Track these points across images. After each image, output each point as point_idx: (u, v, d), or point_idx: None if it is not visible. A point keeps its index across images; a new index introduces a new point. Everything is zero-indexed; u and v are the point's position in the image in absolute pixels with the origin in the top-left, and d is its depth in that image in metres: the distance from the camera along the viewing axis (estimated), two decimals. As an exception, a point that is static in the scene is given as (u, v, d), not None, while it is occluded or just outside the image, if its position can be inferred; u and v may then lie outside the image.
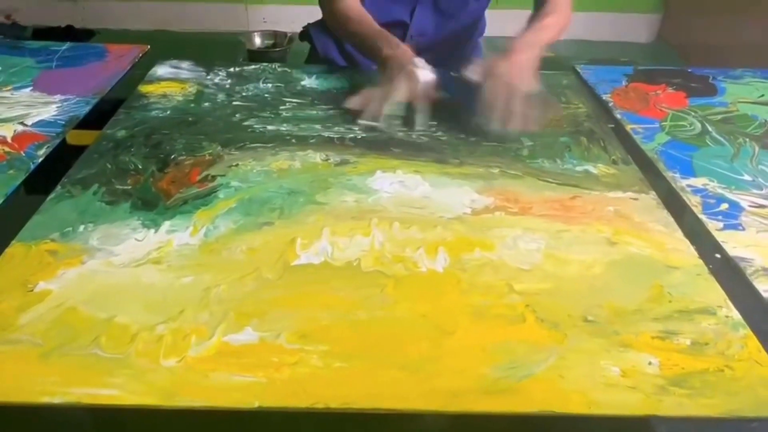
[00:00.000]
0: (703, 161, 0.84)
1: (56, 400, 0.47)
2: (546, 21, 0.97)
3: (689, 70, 1.14)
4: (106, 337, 0.53)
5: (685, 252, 0.66)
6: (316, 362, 0.51)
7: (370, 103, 0.88)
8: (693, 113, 0.98)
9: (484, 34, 1.20)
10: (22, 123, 0.88)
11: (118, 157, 0.79)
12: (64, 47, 1.14)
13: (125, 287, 0.58)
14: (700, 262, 0.64)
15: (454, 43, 1.13)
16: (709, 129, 0.93)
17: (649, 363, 0.53)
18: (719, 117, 0.98)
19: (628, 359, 0.53)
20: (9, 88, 0.99)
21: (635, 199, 0.74)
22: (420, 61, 0.90)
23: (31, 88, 0.99)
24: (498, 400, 0.49)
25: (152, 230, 0.66)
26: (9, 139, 0.83)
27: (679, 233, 0.68)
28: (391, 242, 0.65)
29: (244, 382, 0.49)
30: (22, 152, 0.80)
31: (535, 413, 0.48)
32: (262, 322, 0.55)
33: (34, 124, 0.87)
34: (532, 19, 0.99)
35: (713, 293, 0.60)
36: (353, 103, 0.90)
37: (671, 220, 0.71)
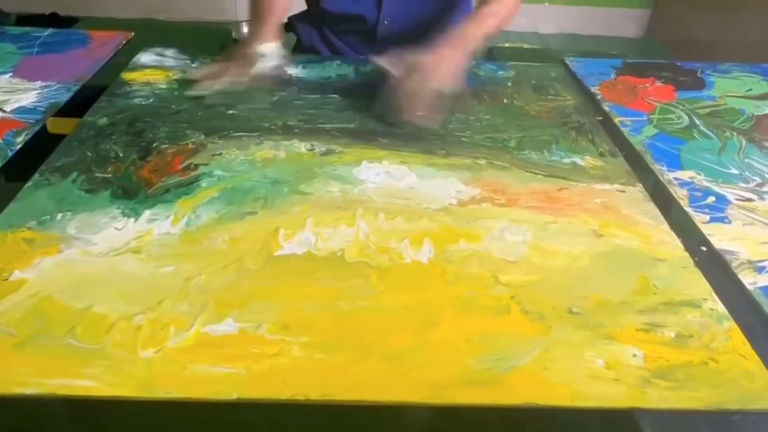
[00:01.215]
0: (690, 154, 0.84)
1: (30, 390, 0.46)
2: (490, 8, 0.93)
3: (678, 64, 1.14)
4: (82, 327, 0.52)
5: (671, 244, 0.65)
6: (298, 353, 0.51)
7: (207, 77, 0.92)
8: (681, 106, 0.98)
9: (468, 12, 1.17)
10: (1, 110, 0.86)
11: (99, 144, 0.77)
12: (45, 33, 1.12)
13: (103, 277, 0.57)
14: (686, 254, 0.64)
15: (429, 24, 1.11)
16: (697, 122, 0.93)
17: (634, 355, 0.52)
18: (707, 110, 0.98)
19: (612, 351, 0.52)
20: (-12, 74, 0.97)
21: (622, 191, 0.74)
22: (268, 47, 0.92)
23: (11, 74, 0.97)
24: (482, 392, 0.49)
25: (132, 219, 0.64)
26: (-13, 126, 0.81)
27: (666, 226, 0.68)
28: (375, 233, 0.64)
29: (223, 373, 0.49)
30: (0, 139, 0.78)
31: (519, 405, 0.48)
32: (243, 312, 0.54)
33: (14, 111, 0.85)
34: (477, 5, 0.97)
35: (698, 286, 0.60)
36: (197, 74, 0.94)
37: (658, 212, 0.70)
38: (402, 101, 0.83)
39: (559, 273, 0.61)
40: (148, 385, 0.47)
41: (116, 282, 0.57)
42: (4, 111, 0.85)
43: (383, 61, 0.86)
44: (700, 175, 0.79)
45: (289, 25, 1.17)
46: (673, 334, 0.54)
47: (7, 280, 0.56)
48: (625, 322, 0.55)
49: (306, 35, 1.16)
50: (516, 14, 0.98)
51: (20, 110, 0.86)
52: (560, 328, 0.54)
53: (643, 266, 0.62)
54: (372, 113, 0.86)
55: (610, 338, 0.54)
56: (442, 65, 0.85)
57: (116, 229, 0.63)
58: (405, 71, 0.84)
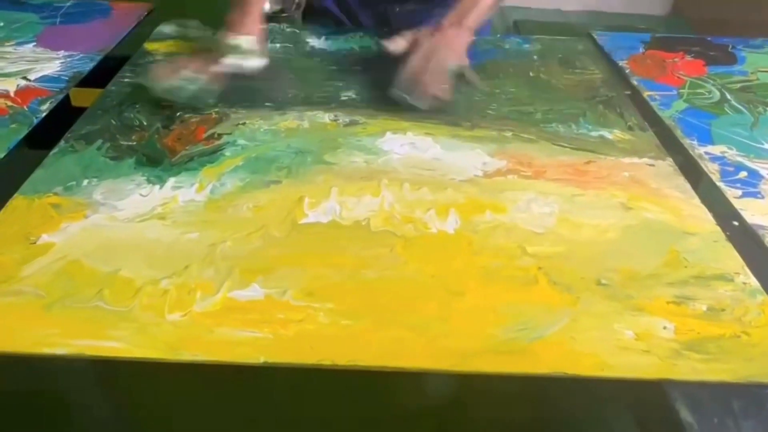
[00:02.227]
0: (721, 129, 0.82)
1: (58, 351, 0.47)
2: None
3: (708, 39, 1.11)
4: (109, 290, 0.52)
5: (703, 218, 0.64)
6: (323, 319, 0.50)
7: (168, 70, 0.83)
8: (711, 81, 0.95)
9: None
10: (25, 78, 0.86)
11: (123, 113, 0.77)
12: (68, 4, 1.11)
13: (129, 242, 0.57)
14: (718, 228, 0.63)
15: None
16: (728, 97, 0.91)
17: (664, 327, 0.51)
18: (738, 85, 0.95)
19: (642, 323, 0.52)
20: (12, 43, 0.97)
21: (651, 165, 0.72)
22: (244, 40, 0.84)
23: (34, 43, 0.97)
24: (508, 361, 0.48)
25: (157, 186, 0.64)
26: (12, 94, 0.81)
27: (697, 200, 0.67)
28: (400, 203, 0.64)
29: (250, 337, 0.48)
30: (25, 107, 0.78)
31: (545, 374, 0.47)
32: (269, 279, 0.54)
33: (38, 79, 0.86)
34: None
35: (730, 260, 0.59)
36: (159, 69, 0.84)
37: (688, 186, 0.69)
38: (412, 82, 0.81)
39: (587, 245, 0.60)
40: (176, 348, 0.47)
41: (142, 247, 0.57)
42: (29, 79, 0.85)
43: (389, 45, 0.85)
44: (731, 149, 0.77)
45: None
46: (704, 307, 0.53)
47: (35, 243, 0.56)
48: (654, 294, 0.54)
49: None
50: None
51: (44, 79, 0.86)
52: (588, 300, 0.54)
53: (673, 239, 0.61)
54: (392, 97, 0.82)
55: (640, 310, 0.53)
56: (447, 44, 0.83)
57: (141, 195, 0.63)
58: (410, 52, 0.82)
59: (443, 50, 0.83)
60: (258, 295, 0.52)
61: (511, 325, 0.51)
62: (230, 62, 0.83)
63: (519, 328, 0.51)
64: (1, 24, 1.03)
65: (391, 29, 0.98)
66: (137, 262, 0.55)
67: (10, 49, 0.95)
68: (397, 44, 0.85)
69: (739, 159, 0.75)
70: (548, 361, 0.48)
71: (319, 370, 0.47)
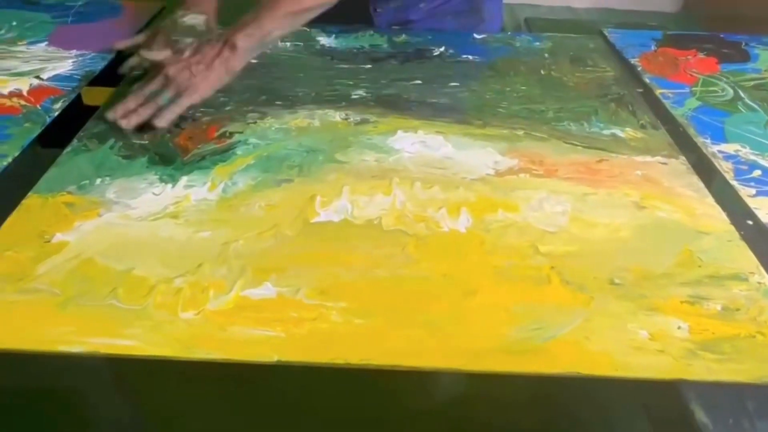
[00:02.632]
0: (735, 127, 0.81)
1: (73, 349, 0.47)
2: None
3: (721, 36, 1.10)
4: (123, 288, 0.52)
5: (716, 218, 0.64)
6: (336, 318, 0.50)
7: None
8: (725, 79, 0.95)
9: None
10: (38, 77, 0.86)
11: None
12: (79, 3, 1.12)
13: (142, 240, 0.57)
14: (732, 228, 0.62)
15: None
16: (742, 95, 0.90)
17: (678, 327, 0.51)
18: (752, 83, 0.95)
19: (656, 323, 0.51)
20: (24, 42, 0.97)
21: (664, 163, 0.72)
22: (194, 19, 0.84)
23: (46, 43, 0.97)
24: (521, 361, 0.48)
25: (169, 185, 0.65)
26: (25, 93, 0.82)
27: (710, 199, 0.66)
28: (412, 201, 0.64)
29: (263, 336, 0.49)
30: (38, 106, 0.79)
31: (559, 374, 0.47)
32: (281, 277, 0.54)
33: (50, 79, 0.86)
34: None
35: (745, 259, 0.58)
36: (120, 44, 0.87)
37: (701, 185, 0.68)
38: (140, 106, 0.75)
39: (599, 244, 0.60)
40: (189, 346, 0.48)
41: (155, 245, 0.57)
42: (41, 78, 0.86)
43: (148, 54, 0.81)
44: (745, 148, 0.77)
45: None
46: (719, 307, 0.53)
47: (49, 242, 0.57)
48: (668, 294, 0.54)
49: None
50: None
51: (57, 78, 0.86)
52: (602, 299, 0.53)
53: (686, 239, 0.61)
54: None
55: (654, 310, 0.52)
56: (198, 71, 0.76)
57: (154, 194, 0.63)
58: (153, 68, 0.77)
59: (173, 78, 0.75)
60: (271, 293, 0.52)
61: (524, 325, 0.51)
62: (180, 41, 0.79)
63: (532, 328, 0.51)
64: (14, 23, 1.04)
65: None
66: (151, 260, 0.55)
67: (22, 48, 0.96)
68: (157, 53, 0.79)
69: (753, 157, 0.75)
70: (562, 361, 0.48)
71: (332, 368, 0.47)
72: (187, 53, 0.78)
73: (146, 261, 0.55)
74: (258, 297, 0.52)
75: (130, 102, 0.75)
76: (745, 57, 1.04)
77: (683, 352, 0.49)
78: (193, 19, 0.83)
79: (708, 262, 0.58)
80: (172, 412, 0.47)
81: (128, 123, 0.74)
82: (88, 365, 0.48)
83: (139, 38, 0.86)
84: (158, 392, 0.48)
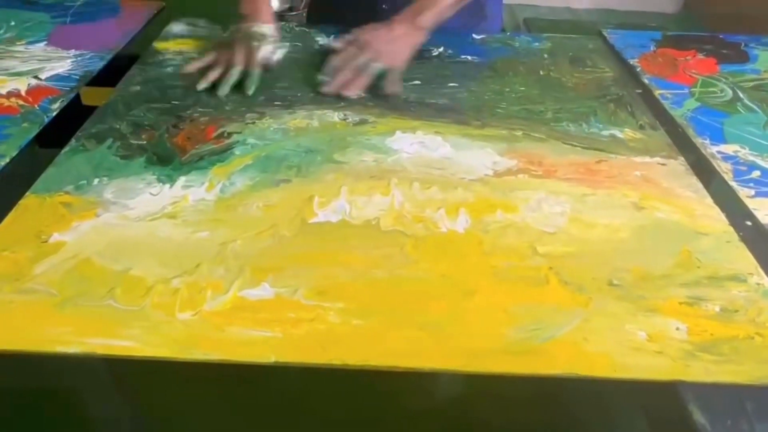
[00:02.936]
0: (734, 128, 0.81)
1: (71, 349, 0.47)
2: None
3: (720, 36, 1.10)
4: (121, 289, 0.52)
5: (715, 218, 0.63)
6: (334, 319, 0.50)
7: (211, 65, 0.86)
8: (724, 80, 0.95)
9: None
10: (36, 77, 0.86)
11: (133, 112, 0.77)
12: (78, 2, 1.12)
13: (140, 240, 0.57)
14: (731, 228, 0.62)
15: None
16: (741, 96, 0.90)
17: (677, 328, 0.51)
18: (751, 84, 0.94)
19: (654, 324, 0.51)
20: (23, 42, 0.97)
21: (663, 164, 0.72)
22: (270, 29, 0.89)
23: (45, 42, 0.97)
24: (520, 361, 0.48)
25: (167, 185, 0.65)
26: (23, 93, 0.82)
27: (709, 200, 0.66)
28: (410, 202, 0.64)
29: (261, 336, 0.48)
30: (36, 106, 0.79)
31: (558, 375, 0.47)
32: (279, 278, 0.54)
33: (48, 78, 0.86)
34: None
35: (744, 260, 0.58)
36: (193, 66, 0.87)
37: (700, 186, 0.68)
38: (335, 72, 0.84)
39: (598, 245, 0.59)
40: (186, 347, 0.47)
41: (153, 246, 0.57)
42: (39, 78, 0.86)
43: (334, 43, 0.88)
44: (744, 149, 0.76)
45: None
46: (717, 308, 0.53)
47: (46, 242, 0.56)
48: (667, 295, 0.54)
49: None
50: None
51: (55, 78, 0.86)
52: (600, 300, 0.53)
53: (685, 240, 0.60)
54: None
55: (652, 311, 0.52)
56: (388, 42, 0.84)
57: (152, 194, 0.63)
58: (348, 45, 0.85)
59: (375, 49, 0.84)
60: (268, 294, 0.52)
61: (522, 325, 0.51)
62: (265, 50, 0.86)
63: (531, 328, 0.50)
64: (13, 23, 1.04)
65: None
66: (148, 260, 0.55)
67: (21, 48, 0.95)
68: (340, 40, 0.87)
69: (752, 158, 0.74)
70: (560, 362, 0.48)
71: (329, 369, 0.47)
72: (365, 36, 0.86)
73: (144, 261, 0.55)
74: (255, 297, 0.52)
75: (347, 74, 0.83)
76: (744, 58, 1.04)
77: (681, 353, 0.49)
78: (264, 28, 0.89)
79: (707, 263, 0.58)
80: (170, 413, 0.47)
81: (352, 92, 0.82)
82: (86, 366, 0.48)
83: (209, 58, 0.88)
84: (155, 393, 0.48)
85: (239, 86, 0.83)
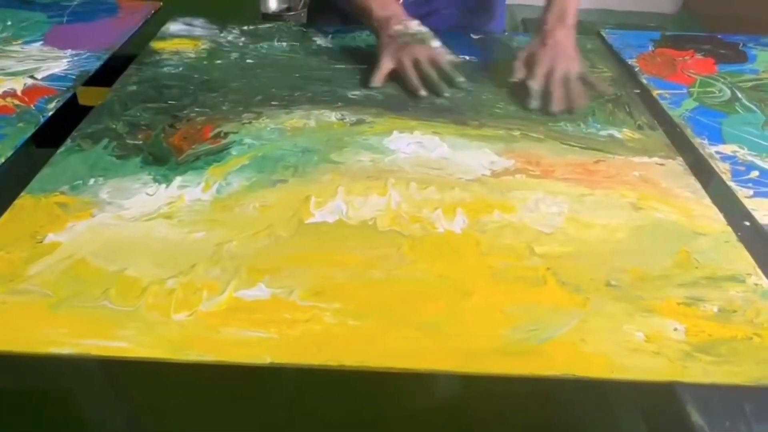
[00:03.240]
0: (732, 128, 0.81)
1: (65, 350, 0.46)
2: None
3: (719, 37, 1.10)
4: (115, 289, 0.52)
5: (713, 219, 0.63)
6: (330, 320, 0.50)
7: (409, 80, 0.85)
8: (722, 80, 0.95)
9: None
10: (32, 77, 0.86)
11: (129, 112, 0.77)
12: (75, 2, 1.11)
13: (135, 241, 0.57)
14: (729, 229, 0.62)
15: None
16: (739, 96, 0.90)
17: (675, 329, 0.51)
18: (749, 84, 0.94)
19: (652, 324, 0.51)
20: (19, 42, 0.97)
21: (661, 164, 0.72)
22: (414, 24, 0.88)
23: (41, 42, 0.97)
24: (517, 362, 0.48)
25: (163, 185, 0.64)
26: (19, 92, 0.81)
27: (707, 200, 0.66)
28: (407, 202, 0.63)
29: (256, 337, 0.48)
30: (32, 105, 0.78)
31: (555, 376, 0.47)
32: (275, 278, 0.53)
33: (45, 78, 0.86)
34: None
35: (742, 261, 0.58)
36: (378, 79, 0.86)
37: (699, 186, 0.68)
38: (555, 93, 0.82)
39: (596, 245, 0.59)
40: (182, 348, 0.47)
41: (148, 246, 0.56)
42: (35, 78, 0.85)
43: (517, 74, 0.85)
44: (743, 149, 0.76)
45: None
46: (715, 309, 0.53)
47: (41, 242, 0.56)
48: (665, 295, 0.54)
49: None
50: None
51: (51, 77, 0.86)
52: (598, 301, 0.53)
53: (683, 240, 0.60)
54: (528, 107, 0.82)
55: (650, 311, 0.52)
56: (562, 51, 0.84)
57: (147, 194, 0.63)
58: (528, 69, 0.83)
59: (562, 59, 0.84)
60: (264, 294, 0.52)
61: (520, 326, 0.50)
62: (437, 44, 0.87)
63: (528, 329, 0.50)
64: (9, 23, 1.03)
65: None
66: (143, 261, 0.55)
67: (17, 47, 0.95)
68: (520, 71, 0.85)
69: (751, 158, 0.74)
70: (558, 363, 0.47)
71: (326, 370, 0.47)
72: (541, 53, 0.84)
73: (139, 261, 0.55)
74: (251, 298, 0.52)
75: (558, 89, 0.82)
76: (743, 58, 1.04)
77: (679, 354, 0.48)
78: (417, 26, 0.89)
79: (705, 264, 0.57)
80: (165, 414, 0.46)
81: (560, 106, 0.81)
82: (80, 367, 0.47)
83: (386, 66, 0.87)
84: (150, 394, 0.48)
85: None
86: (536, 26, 0.89)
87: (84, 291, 0.51)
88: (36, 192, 0.62)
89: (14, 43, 0.96)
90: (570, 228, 0.61)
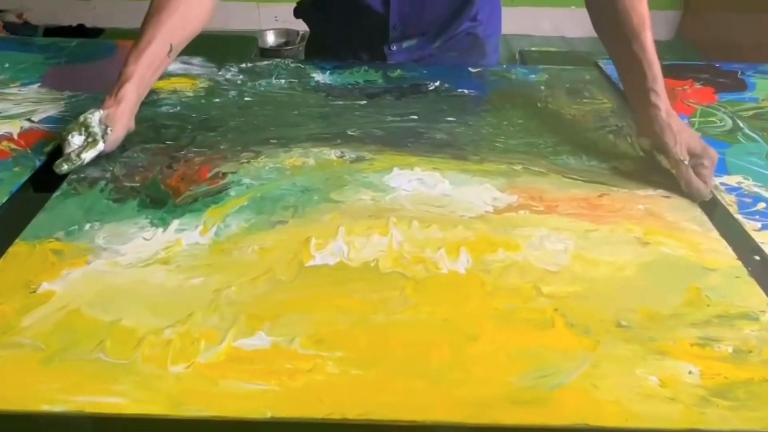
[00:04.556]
0: (736, 158, 0.80)
1: (57, 408, 0.45)
2: (643, 37, 0.78)
3: (717, 65, 1.10)
4: (111, 341, 0.50)
5: (722, 253, 0.62)
6: (332, 369, 0.48)
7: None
8: (723, 109, 0.94)
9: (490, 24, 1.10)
10: (29, 120, 0.85)
11: (126, 153, 0.76)
12: (73, 44, 1.12)
13: (132, 288, 0.56)
14: (739, 263, 0.60)
15: (443, 25, 1.04)
16: (741, 125, 0.89)
17: (689, 372, 0.49)
18: (751, 113, 0.94)
19: (666, 367, 0.49)
20: (17, 84, 0.96)
21: (667, 197, 0.71)
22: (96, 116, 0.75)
23: (39, 84, 0.97)
24: (527, 412, 0.46)
25: (161, 229, 0.63)
26: (15, 136, 0.81)
27: (715, 233, 0.65)
28: (410, 242, 0.62)
29: (256, 390, 0.46)
30: (28, 149, 0.78)
31: (567, 426, 0.45)
32: (275, 326, 0.52)
33: (41, 121, 0.85)
34: (618, 35, 0.80)
35: (755, 297, 0.57)
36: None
37: (705, 218, 0.67)
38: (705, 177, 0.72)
39: (603, 283, 0.58)
40: (179, 402, 0.45)
41: (145, 294, 0.55)
42: (32, 121, 0.85)
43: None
44: (748, 180, 0.75)
45: (299, 11, 1.12)
46: (730, 349, 0.51)
47: (35, 292, 0.55)
48: (677, 336, 0.52)
49: (318, 26, 1.12)
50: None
51: (48, 120, 0.85)
52: (608, 343, 0.51)
53: (693, 276, 0.59)
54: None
55: (663, 353, 0.50)
56: (682, 131, 0.74)
57: (144, 239, 0.62)
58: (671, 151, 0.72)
59: (685, 132, 0.74)
60: (264, 343, 0.50)
61: (528, 372, 0.49)
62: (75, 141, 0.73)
63: (537, 375, 0.49)
64: (7, 65, 1.03)
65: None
66: (139, 310, 0.53)
67: (14, 90, 0.95)
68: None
69: (756, 189, 0.73)
70: (569, 412, 0.46)
71: (328, 424, 0.45)
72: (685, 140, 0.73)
73: (135, 310, 0.53)
74: (251, 348, 0.50)
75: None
76: (742, 86, 1.04)
77: (695, 399, 0.47)
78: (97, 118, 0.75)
79: (716, 301, 0.56)
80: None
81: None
82: (74, 424, 0.46)
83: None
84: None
85: None
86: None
87: (78, 343, 0.50)
88: (30, 239, 0.61)
89: (12, 85, 0.96)
90: (576, 266, 0.60)
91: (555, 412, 0.46)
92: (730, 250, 0.62)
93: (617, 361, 0.50)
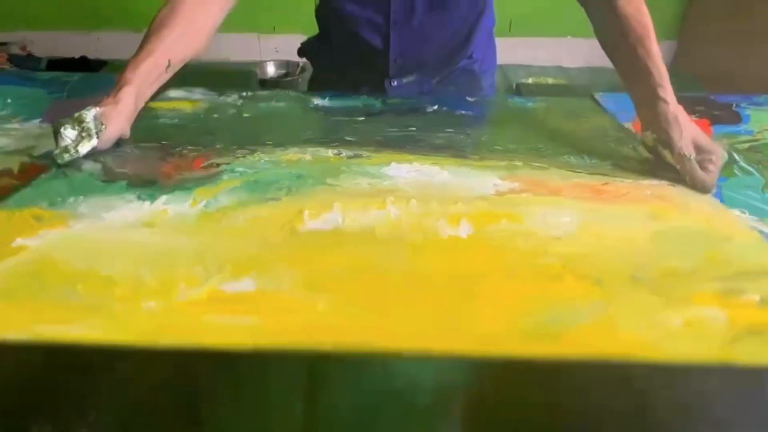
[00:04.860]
0: (732, 191, 0.78)
1: (22, 336, 0.40)
2: (648, 44, 0.78)
3: (711, 97, 1.11)
4: (83, 284, 0.46)
5: (740, 224, 0.59)
6: (324, 308, 0.44)
7: None
8: (718, 142, 0.93)
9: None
10: (29, 155, 0.84)
11: (120, 149, 0.75)
12: (75, 78, 1.13)
13: (112, 244, 0.52)
14: (757, 234, 0.57)
15: (441, 61, 1.08)
16: (737, 158, 0.88)
17: (715, 316, 0.45)
18: (746, 145, 0.93)
19: (689, 312, 0.45)
20: (18, 119, 0.96)
21: (673, 185, 0.68)
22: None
23: (40, 119, 0.96)
24: (541, 344, 0.41)
25: (148, 202, 0.60)
26: (15, 172, 0.79)
27: (730, 212, 0.62)
28: (408, 215, 0.59)
29: (239, 324, 0.42)
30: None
31: (586, 360, 0.40)
32: (263, 274, 0.48)
33: (41, 156, 0.84)
34: (623, 43, 0.80)
35: (777, 258, 0.53)
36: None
37: (718, 201, 0.64)
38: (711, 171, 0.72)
39: (615, 244, 0.54)
40: (154, 335, 0.41)
41: (125, 249, 0.51)
42: (32, 156, 0.83)
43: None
44: (744, 213, 0.73)
45: (303, 51, 1.16)
46: (757, 298, 0.47)
47: (8, 246, 0.51)
48: (699, 288, 0.48)
49: (320, 64, 1.15)
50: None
51: (48, 155, 0.83)
52: (624, 293, 0.47)
53: (710, 242, 0.55)
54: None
55: (686, 300, 0.46)
56: (693, 130, 0.75)
57: (129, 209, 0.59)
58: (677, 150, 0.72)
59: (691, 127, 0.75)
60: (250, 287, 0.46)
61: (540, 311, 0.44)
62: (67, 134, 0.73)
63: (550, 314, 0.44)
64: (9, 100, 1.04)
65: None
66: (118, 261, 0.49)
67: (16, 125, 0.94)
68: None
69: (754, 224, 0.71)
70: (587, 347, 0.41)
71: (317, 356, 0.40)
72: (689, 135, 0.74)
73: (113, 262, 0.49)
74: (235, 290, 0.46)
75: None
76: (737, 119, 1.04)
77: (723, 337, 0.42)
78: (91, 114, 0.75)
79: (738, 261, 0.52)
80: (138, 405, 0.39)
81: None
82: (39, 355, 0.41)
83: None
84: (119, 383, 0.40)
85: None
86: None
87: (49, 286, 0.46)
88: (11, 207, 0.58)
89: (13, 120, 0.96)
90: (583, 234, 0.56)
91: (572, 346, 0.41)
92: (748, 221, 0.59)
93: (636, 306, 0.46)
